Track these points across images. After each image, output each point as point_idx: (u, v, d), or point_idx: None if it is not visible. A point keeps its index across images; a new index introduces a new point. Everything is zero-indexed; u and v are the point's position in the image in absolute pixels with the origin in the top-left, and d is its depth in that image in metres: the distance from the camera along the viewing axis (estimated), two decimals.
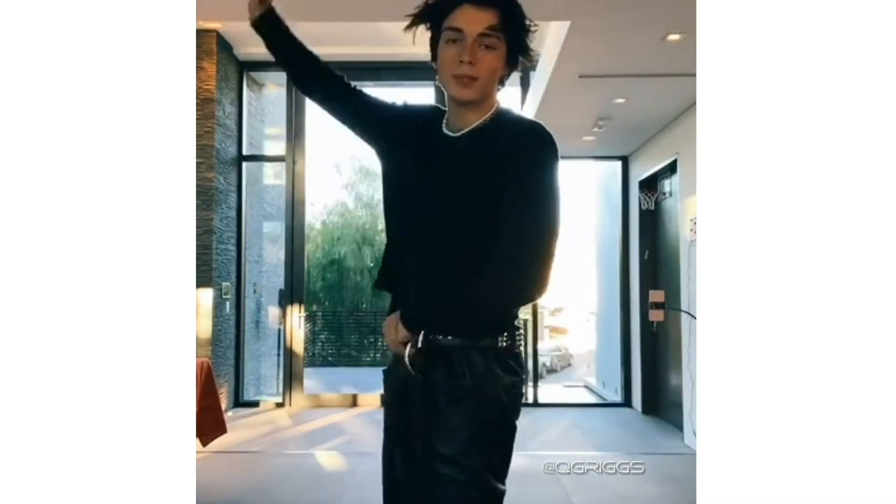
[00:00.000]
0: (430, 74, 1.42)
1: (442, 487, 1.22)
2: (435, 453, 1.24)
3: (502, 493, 1.28)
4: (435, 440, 1.24)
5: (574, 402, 7.10)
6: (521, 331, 1.37)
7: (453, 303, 1.24)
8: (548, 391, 8.19)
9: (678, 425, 4.95)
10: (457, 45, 1.25)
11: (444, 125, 1.35)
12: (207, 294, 5.24)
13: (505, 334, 1.28)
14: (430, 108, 1.44)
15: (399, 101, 1.48)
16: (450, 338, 1.26)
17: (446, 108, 1.37)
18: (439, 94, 1.51)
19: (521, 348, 1.34)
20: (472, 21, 1.23)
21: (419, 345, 1.26)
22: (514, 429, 1.30)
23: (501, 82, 1.33)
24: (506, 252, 1.20)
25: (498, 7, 1.24)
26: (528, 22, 1.29)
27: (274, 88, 7.09)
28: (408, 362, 1.27)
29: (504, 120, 1.31)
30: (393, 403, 1.38)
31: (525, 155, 1.24)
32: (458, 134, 1.31)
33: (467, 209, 1.25)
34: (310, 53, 1.58)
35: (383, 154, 1.45)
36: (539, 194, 1.23)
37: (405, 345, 1.27)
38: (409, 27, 1.34)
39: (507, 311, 1.30)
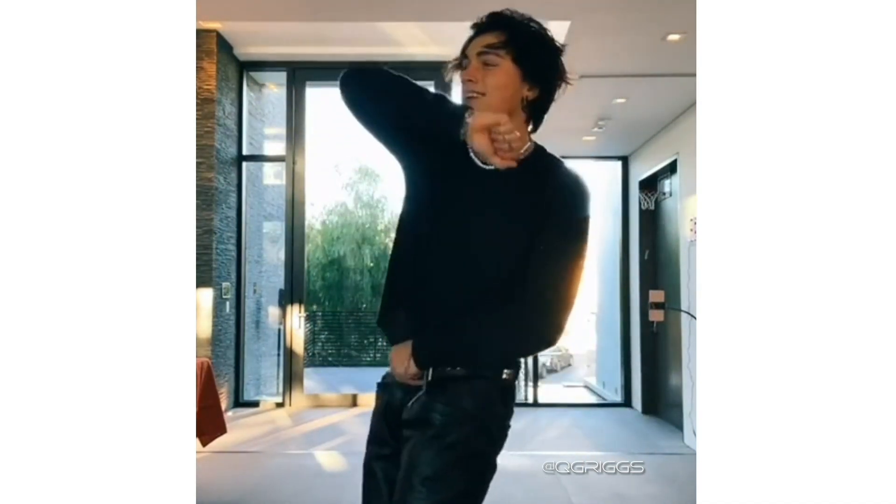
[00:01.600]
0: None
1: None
2: (416, 471, 1.23)
3: None
4: (420, 459, 1.23)
5: (574, 402, 7.10)
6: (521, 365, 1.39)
7: (472, 342, 1.26)
8: (548, 391, 8.19)
9: (678, 425, 4.95)
10: (462, 69, 1.30)
11: (471, 153, 1.28)
12: (207, 294, 5.24)
13: (508, 369, 1.30)
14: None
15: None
16: (458, 369, 1.26)
17: None
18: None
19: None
20: (474, 45, 1.29)
21: (429, 378, 1.26)
22: (494, 465, 1.29)
23: (535, 109, 1.32)
24: (536, 300, 1.24)
25: (500, 29, 1.28)
26: (542, 38, 1.29)
27: (274, 88, 7.09)
28: (411, 402, 1.28)
29: (548, 164, 1.31)
30: (382, 422, 1.36)
31: (569, 210, 1.26)
32: (489, 167, 1.23)
33: (503, 246, 1.26)
34: None
35: (409, 167, 1.39)
36: (575, 249, 1.26)
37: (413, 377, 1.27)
38: (447, 77, 1.37)
39: (526, 355, 1.31)
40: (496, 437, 1.29)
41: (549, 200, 1.26)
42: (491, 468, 1.28)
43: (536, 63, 1.29)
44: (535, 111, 1.34)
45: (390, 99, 1.29)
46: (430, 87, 1.51)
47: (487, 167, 1.25)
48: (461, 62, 1.31)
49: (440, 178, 1.32)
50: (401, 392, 1.31)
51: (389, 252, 1.44)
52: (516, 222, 1.26)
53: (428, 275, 1.30)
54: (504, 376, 1.28)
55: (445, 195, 1.31)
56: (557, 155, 1.34)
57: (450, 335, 1.26)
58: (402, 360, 1.27)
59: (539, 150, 1.33)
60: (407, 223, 1.37)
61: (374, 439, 1.38)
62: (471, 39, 1.31)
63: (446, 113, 1.21)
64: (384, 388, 1.38)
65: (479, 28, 1.31)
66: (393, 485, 1.27)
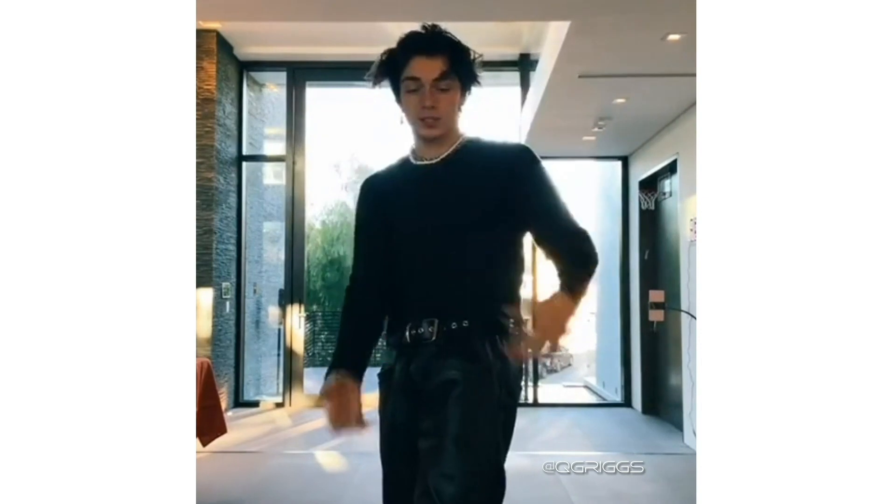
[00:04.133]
0: None
1: (458, 465, 1.30)
2: (450, 433, 1.32)
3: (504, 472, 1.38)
4: (451, 420, 1.33)
5: (574, 402, 7.09)
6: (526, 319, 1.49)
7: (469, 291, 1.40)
8: (548, 391, 8.17)
9: (678, 425, 4.95)
10: (417, 94, 1.42)
11: (413, 161, 1.51)
12: (207, 294, 5.24)
13: (512, 321, 1.41)
14: (399, 160, 1.57)
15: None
16: (465, 323, 1.38)
17: (411, 149, 1.53)
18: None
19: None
20: (426, 70, 1.41)
21: (433, 337, 1.39)
22: (515, 412, 1.43)
23: (460, 111, 1.50)
24: (571, 232, 1.41)
25: (445, 53, 1.42)
26: (473, 56, 1.46)
27: (274, 88, 7.09)
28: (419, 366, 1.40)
29: (479, 145, 1.50)
30: (398, 400, 1.45)
31: (526, 167, 1.44)
32: (434, 161, 1.47)
33: (460, 220, 1.41)
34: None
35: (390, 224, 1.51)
36: (555, 193, 1.44)
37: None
38: (374, 84, 1.50)
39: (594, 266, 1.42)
40: (514, 387, 1.43)
41: (491, 165, 1.44)
42: (513, 419, 1.42)
43: (470, 80, 1.47)
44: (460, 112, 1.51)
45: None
46: None
47: (428, 163, 1.47)
48: (407, 83, 1.42)
49: (391, 196, 1.51)
50: (405, 362, 1.43)
51: None
52: (463, 198, 1.42)
53: (417, 258, 1.45)
54: (510, 330, 1.40)
55: (399, 202, 1.49)
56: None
57: (446, 284, 1.43)
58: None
59: (468, 139, 1.50)
60: (380, 249, 1.52)
61: (399, 427, 1.44)
62: (407, 59, 1.42)
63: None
64: (388, 374, 1.48)
65: (417, 47, 1.43)
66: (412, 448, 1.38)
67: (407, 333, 1.43)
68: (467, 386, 1.35)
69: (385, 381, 1.50)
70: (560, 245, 1.41)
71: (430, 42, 1.43)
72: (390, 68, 1.46)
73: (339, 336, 1.55)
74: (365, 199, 1.57)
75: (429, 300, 1.42)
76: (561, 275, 1.37)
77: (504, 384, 1.38)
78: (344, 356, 1.49)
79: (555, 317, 1.30)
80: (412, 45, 1.43)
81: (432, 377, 1.38)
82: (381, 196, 1.53)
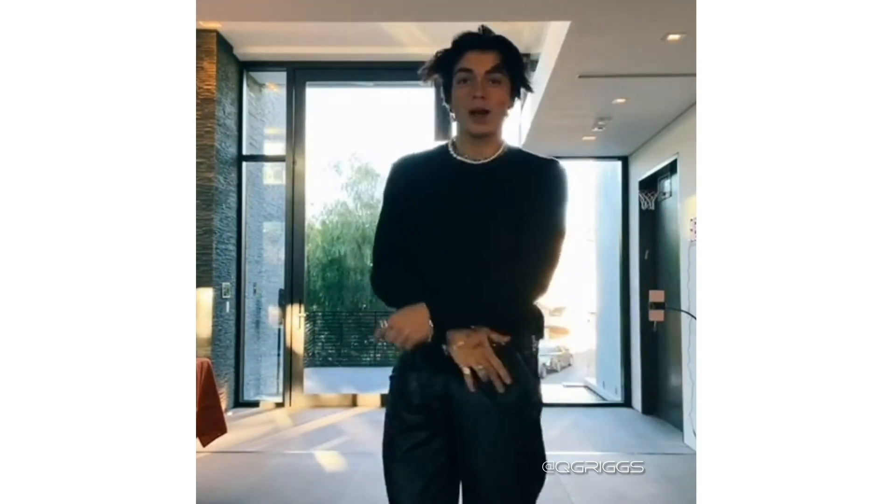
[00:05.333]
0: None
1: (516, 475, 1.39)
2: (483, 449, 1.37)
3: None
4: (485, 436, 1.37)
5: (574, 402, 7.10)
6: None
7: (488, 299, 1.40)
8: (548, 391, 8.14)
9: (678, 425, 4.95)
10: (468, 84, 1.43)
11: (455, 155, 1.50)
12: (207, 294, 5.25)
13: (534, 338, 1.46)
14: (440, 146, 1.56)
15: (404, 156, 1.57)
16: (503, 341, 1.37)
17: (451, 142, 1.52)
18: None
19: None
20: (480, 62, 1.43)
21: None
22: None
23: (506, 116, 1.51)
24: (533, 257, 1.42)
25: (499, 49, 1.45)
26: (521, 58, 1.49)
27: (274, 88, 7.09)
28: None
29: (521, 154, 1.52)
30: (413, 408, 1.42)
31: (550, 182, 1.47)
32: (481, 162, 1.48)
33: (499, 222, 1.43)
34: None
35: (410, 205, 1.50)
36: (552, 225, 1.46)
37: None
38: (426, 78, 1.51)
39: (531, 302, 1.45)
40: (537, 403, 1.45)
41: (533, 173, 1.47)
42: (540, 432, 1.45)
43: (522, 80, 1.50)
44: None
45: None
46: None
47: (475, 162, 1.47)
48: (460, 75, 1.44)
49: (427, 184, 1.50)
50: (432, 375, 1.40)
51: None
52: (507, 201, 1.44)
53: (446, 258, 1.43)
54: (533, 348, 1.45)
55: (437, 193, 1.48)
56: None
57: (464, 296, 1.39)
58: (412, 322, 1.34)
59: (509, 147, 1.52)
60: (405, 225, 1.48)
61: (405, 429, 1.43)
62: (459, 53, 1.45)
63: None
64: (404, 375, 1.44)
65: (472, 43, 1.45)
66: (433, 467, 1.40)
67: (443, 346, 1.37)
68: (514, 402, 1.39)
69: (406, 381, 1.44)
70: (522, 259, 1.41)
71: (484, 39, 1.46)
72: (443, 65, 1.48)
73: (394, 291, 1.46)
74: (398, 179, 1.53)
75: (461, 305, 1.39)
76: (502, 284, 1.39)
77: (535, 393, 1.45)
78: (411, 293, 1.40)
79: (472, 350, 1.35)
80: (466, 42, 1.46)
81: (477, 396, 1.36)
82: (416, 181, 1.50)
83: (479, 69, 1.42)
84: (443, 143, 1.55)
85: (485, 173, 1.47)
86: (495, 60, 1.43)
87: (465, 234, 1.42)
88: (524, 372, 1.41)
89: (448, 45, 1.48)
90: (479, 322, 1.36)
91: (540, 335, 1.49)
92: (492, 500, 1.39)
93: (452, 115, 1.50)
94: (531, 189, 1.44)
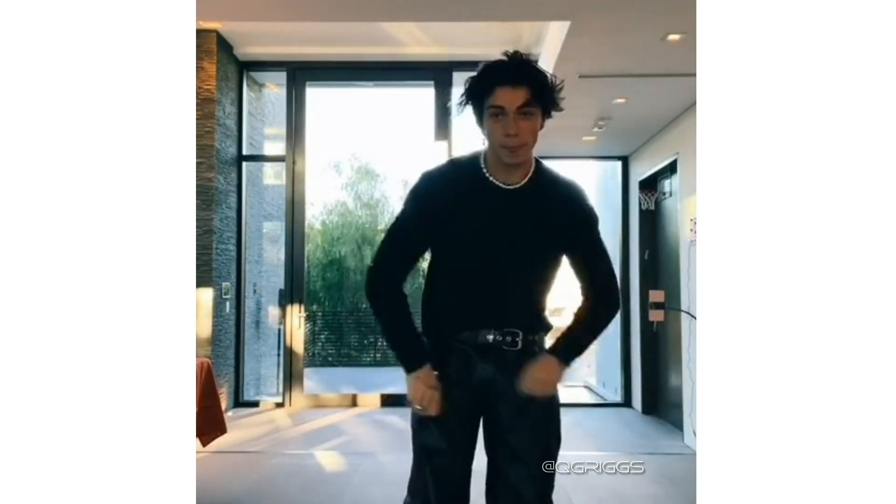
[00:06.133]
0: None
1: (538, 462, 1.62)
2: (524, 442, 1.60)
3: None
4: (527, 431, 1.60)
5: (574, 402, 7.09)
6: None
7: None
8: None
9: (678, 425, 4.95)
10: (501, 120, 1.49)
11: (489, 177, 1.59)
12: (207, 294, 5.24)
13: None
14: (468, 162, 1.63)
15: (440, 165, 1.67)
16: (536, 337, 1.63)
17: (483, 158, 1.60)
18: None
19: None
20: (510, 100, 1.48)
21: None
22: None
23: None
24: (605, 286, 1.68)
25: (528, 84, 1.48)
26: (554, 84, 1.54)
27: (274, 88, 7.08)
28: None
29: (547, 174, 1.63)
30: (461, 395, 1.59)
31: (583, 212, 1.64)
32: (516, 186, 1.58)
33: (535, 242, 1.58)
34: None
35: (442, 221, 1.60)
36: (601, 245, 1.69)
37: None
38: (461, 105, 1.58)
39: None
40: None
41: (563, 197, 1.61)
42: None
43: (551, 106, 1.55)
44: None
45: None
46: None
47: (509, 187, 1.57)
48: (492, 110, 1.49)
49: (465, 202, 1.58)
50: (490, 366, 1.59)
51: None
52: (541, 224, 1.58)
53: (485, 276, 1.59)
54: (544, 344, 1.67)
55: (475, 214, 1.58)
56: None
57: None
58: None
59: (539, 165, 1.62)
60: (445, 245, 1.62)
61: (457, 408, 1.59)
62: (492, 88, 1.49)
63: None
64: (446, 359, 1.60)
65: (503, 79, 1.48)
66: (469, 447, 1.61)
67: (489, 337, 1.58)
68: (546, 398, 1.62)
69: (448, 363, 1.61)
70: (597, 286, 1.66)
71: (514, 72, 1.49)
72: (474, 94, 1.53)
73: (393, 335, 1.66)
74: (423, 197, 1.61)
75: (497, 310, 1.58)
76: (585, 311, 1.65)
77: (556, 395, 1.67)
78: (412, 356, 1.60)
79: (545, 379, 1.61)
80: (496, 75, 1.50)
81: (512, 381, 1.57)
82: (442, 202, 1.58)
83: (510, 106, 1.47)
84: (468, 155, 1.63)
85: (520, 197, 1.57)
86: (526, 96, 1.47)
87: (508, 255, 1.57)
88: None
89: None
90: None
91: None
92: (534, 471, 1.62)
93: (484, 139, 1.58)
94: (568, 213, 1.60)
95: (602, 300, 1.67)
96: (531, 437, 1.61)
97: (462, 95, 1.57)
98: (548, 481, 1.66)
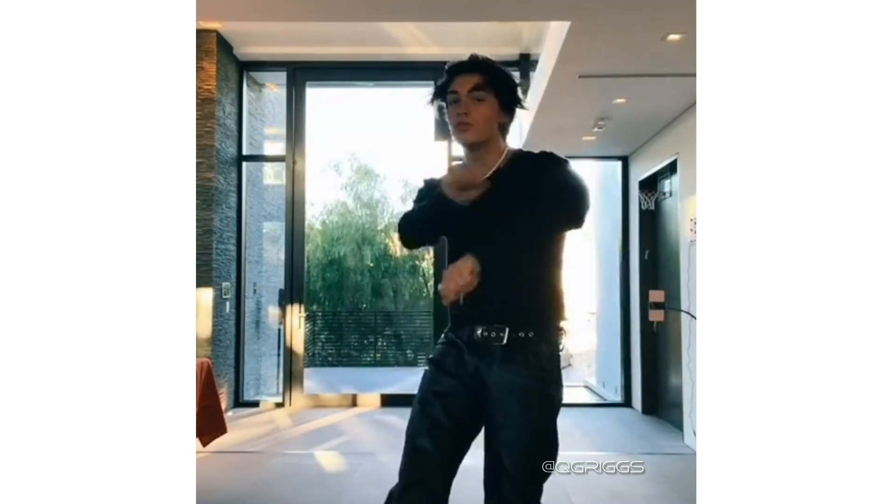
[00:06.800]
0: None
1: (524, 449, 1.59)
2: (513, 431, 1.58)
3: None
4: (517, 417, 1.59)
5: (574, 402, 7.09)
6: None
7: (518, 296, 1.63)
8: None
9: (678, 425, 4.95)
10: (456, 104, 1.65)
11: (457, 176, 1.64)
12: (207, 294, 5.24)
13: (561, 328, 1.67)
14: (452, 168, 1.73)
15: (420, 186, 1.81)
16: (531, 335, 1.60)
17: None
18: (443, 118, 1.71)
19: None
20: (463, 83, 1.64)
21: (503, 342, 1.60)
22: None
23: (504, 129, 1.71)
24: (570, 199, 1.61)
25: (481, 70, 1.65)
26: (509, 77, 1.66)
27: (274, 88, 7.08)
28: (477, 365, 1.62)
29: (519, 158, 1.68)
30: (457, 374, 1.64)
31: (555, 170, 1.63)
32: (485, 173, 1.62)
33: (510, 232, 1.56)
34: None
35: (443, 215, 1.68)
36: (574, 178, 1.64)
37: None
38: (432, 103, 1.74)
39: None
40: (560, 384, 1.67)
41: (533, 173, 1.61)
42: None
43: (508, 97, 1.67)
44: (504, 131, 1.73)
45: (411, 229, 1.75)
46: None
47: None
48: (449, 97, 1.65)
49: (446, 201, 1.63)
50: (476, 359, 1.62)
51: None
52: (510, 209, 1.56)
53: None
54: (560, 346, 1.68)
55: (454, 209, 1.61)
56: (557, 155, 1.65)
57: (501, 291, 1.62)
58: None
59: (515, 153, 1.70)
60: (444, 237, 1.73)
61: (441, 392, 1.64)
62: (451, 79, 1.66)
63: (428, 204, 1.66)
64: (443, 351, 1.68)
65: (459, 69, 1.65)
66: (451, 421, 1.62)
67: (478, 333, 1.62)
68: (534, 388, 1.61)
69: (444, 355, 1.68)
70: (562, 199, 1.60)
71: (470, 64, 1.67)
72: (440, 92, 1.70)
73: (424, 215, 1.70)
74: (425, 193, 1.74)
75: (486, 306, 1.59)
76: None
77: (557, 386, 1.66)
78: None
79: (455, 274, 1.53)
80: (456, 68, 1.67)
81: (501, 376, 1.60)
82: (439, 197, 1.64)
83: (462, 89, 1.63)
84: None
85: (487, 194, 1.59)
86: (477, 80, 1.63)
87: (489, 245, 1.56)
88: (541, 360, 1.64)
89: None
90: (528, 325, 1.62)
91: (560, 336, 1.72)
92: (507, 464, 1.59)
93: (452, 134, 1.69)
94: (535, 177, 1.60)
95: (562, 206, 1.59)
96: (513, 431, 1.60)
97: (431, 92, 1.73)
98: (529, 476, 1.62)
